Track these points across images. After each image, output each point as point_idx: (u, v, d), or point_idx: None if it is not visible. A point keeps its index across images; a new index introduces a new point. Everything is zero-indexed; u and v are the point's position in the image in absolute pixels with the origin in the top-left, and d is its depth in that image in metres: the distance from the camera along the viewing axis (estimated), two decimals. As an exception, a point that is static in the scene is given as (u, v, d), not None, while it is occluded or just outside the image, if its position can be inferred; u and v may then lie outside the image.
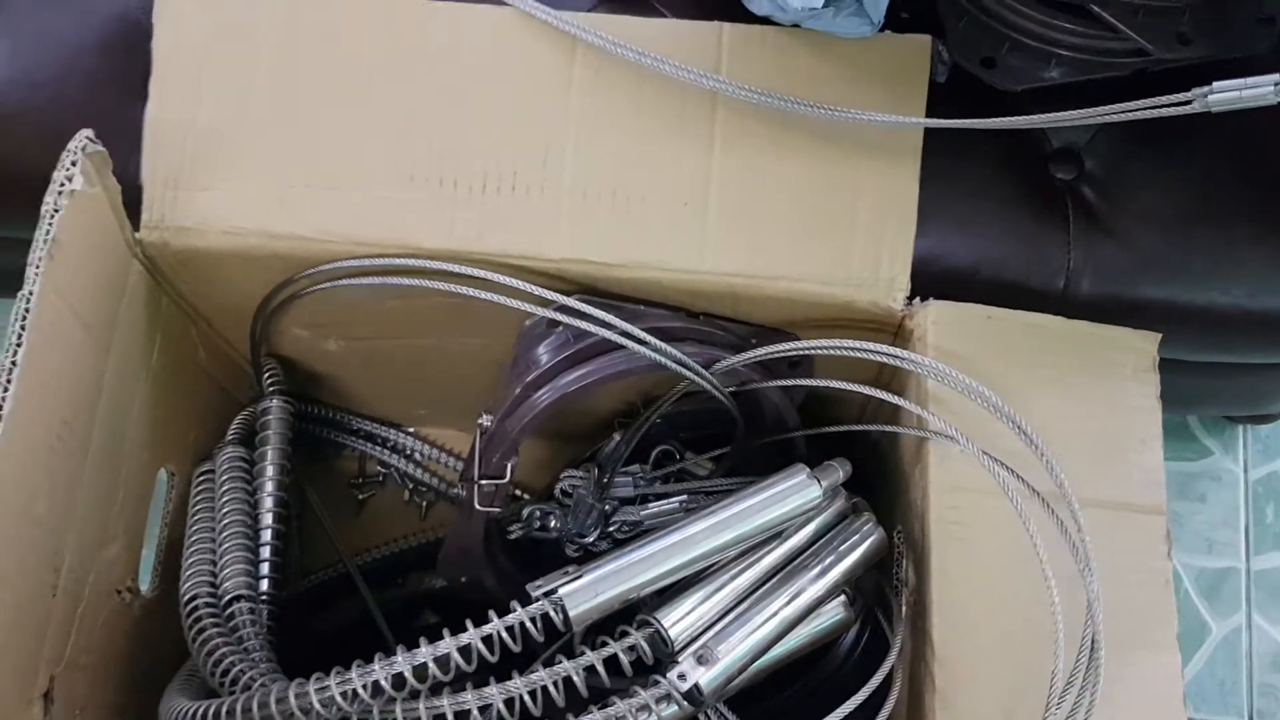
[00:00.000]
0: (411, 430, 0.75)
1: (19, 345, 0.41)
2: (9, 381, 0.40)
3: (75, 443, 0.48)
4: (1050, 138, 0.61)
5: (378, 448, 0.75)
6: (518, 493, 0.65)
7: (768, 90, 0.51)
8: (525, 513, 0.61)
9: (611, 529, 0.60)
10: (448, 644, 0.42)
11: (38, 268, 0.42)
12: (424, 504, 0.77)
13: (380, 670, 0.42)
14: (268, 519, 0.58)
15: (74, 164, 0.44)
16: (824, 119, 0.51)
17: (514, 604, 0.44)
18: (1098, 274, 0.58)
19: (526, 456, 0.57)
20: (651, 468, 0.62)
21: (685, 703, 0.45)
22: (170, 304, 0.58)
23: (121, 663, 0.54)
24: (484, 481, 0.54)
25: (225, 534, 0.55)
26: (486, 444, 0.54)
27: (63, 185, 0.44)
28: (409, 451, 0.75)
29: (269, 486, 0.59)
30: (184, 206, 0.53)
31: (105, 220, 0.49)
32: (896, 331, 0.54)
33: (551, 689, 0.43)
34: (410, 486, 0.76)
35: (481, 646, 0.43)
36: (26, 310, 0.41)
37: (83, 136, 0.45)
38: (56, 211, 0.43)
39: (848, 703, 0.45)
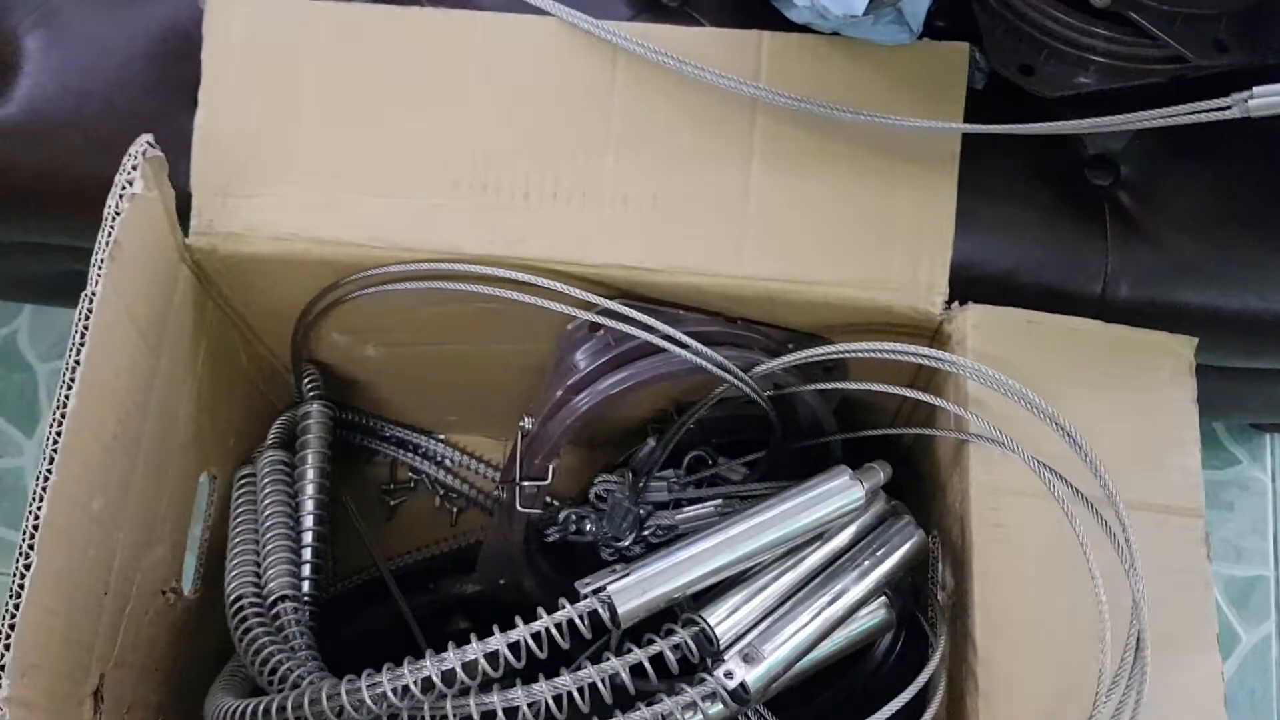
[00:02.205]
0: (442, 437, 0.76)
1: (82, 344, 0.42)
2: (73, 380, 0.41)
3: (129, 443, 0.48)
4: (1087, 144, 0.62)
5: (409, 454, 0.76)
6: (550, 500, 0.66)
7: (807, 97, 0.52)
8: (562, 516, 0.61)
9: (646, 533, 0.60)
10: (498, 640, 0.43)
11: (100, 268, 0.43)
12: (455, 510, 0.78)
13: (432, 666, 0.42)
14: (309, 521, 0.59)
15: (134, 168, 0.45)
16: (863, 125, 0.52)
17: (563, 601, 0.45)
18: (1135, 279, 0.59)
19: (559, 463, 0.57)
20: (685, 472, 0.63)
21: (731, 701, 0.45)
22: (215, 309, 0.58)
23: (165, 663, 0.55)
24: (526, 483, 0.54)
25: (268, 535, 0.56)
26: (528, 446, 0.55)
27: (124, 189, 0.45)
28: (440, 458, 0.76)
29: (310, 489, 0.60)
30: (232, 213, 0.54)
31: (160, 225, 0.50)
32: (934, 336, 0.55)
33: (600, 685, 0.43)
34: (441, 493, 0.77)
35: (531, 642, 0.43)
36: (90, 310, 0.42)
37: (143, 141, 0.46)
38: (118, 215, 0.44)
39: (893, 703, 0.45)
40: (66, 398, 0.41)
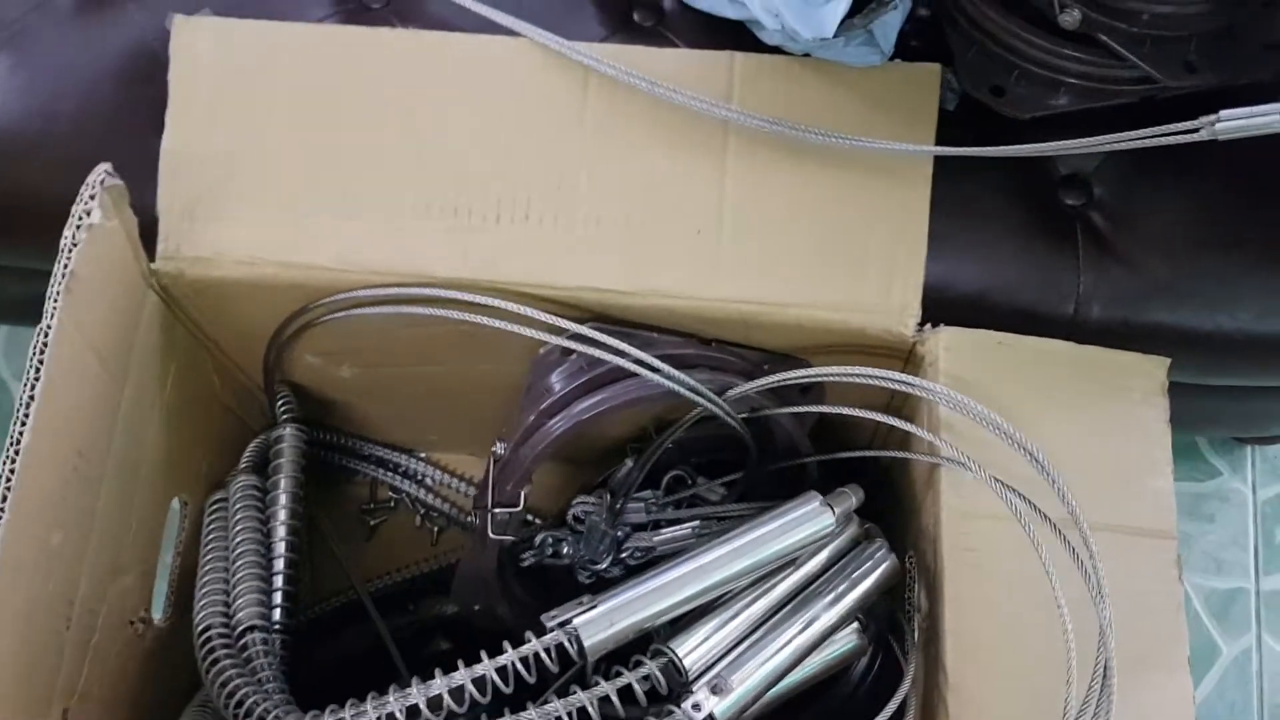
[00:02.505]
0: (423, 456, 0.75)
1: (37, 379, 0.41)
2: (26, 415, 0.41)
3: (90, 474, 0.48)
4: (1059, 164, 0.62)
5: (389, 473, 0.75)
6: (529, 518, 0.66)
7: (779, 119, 0.52)
8: (538, 539, 0.61)
9: (624, 555, 0.60)
10: (462, 675, 0.42)
11: (55, 301, 0.43)
12: (435, 529, 0.77)
13: (395, 703, 0.42)
14: (281, 548, 0.58)
15: (92, 197, 0.45)
16: (835, 147, 0.52)
17: (528, 634, 0.44)
18: (1107, 299, 0.59)
19: (537, 482, 0.57)
20: (663, 493, 0.62)
21: (701, 732, 0.45)
22: (184, 333, 0.58)
23: (134, 693, 0.54)
24: (497, 510, 0.54)
25: (239, 564, 0.55)
26: (500, 471, 0.55)
27: (81, 219, 0.44)
28: (420, 477, 0.75)
29: (282, 515, 0.59)
30: (199, 237, 0.54)
31: (122, 253, 0.49)
32: (908, 357, 0.55)
33: (567, 718, 0.43)
34: (422, 512, 0.77)
35: (496, 678, 0.43)
36: (45, 344, 0.42)
37: (101, 170, 0.45)
38: (75, 245, 0.44)
39: (864, 731, 0.45)
40: (20, 434, 0.40)
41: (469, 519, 0.74)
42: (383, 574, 0.72)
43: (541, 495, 0.67)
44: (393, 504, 0.78)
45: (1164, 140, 0.43)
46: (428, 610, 0.71)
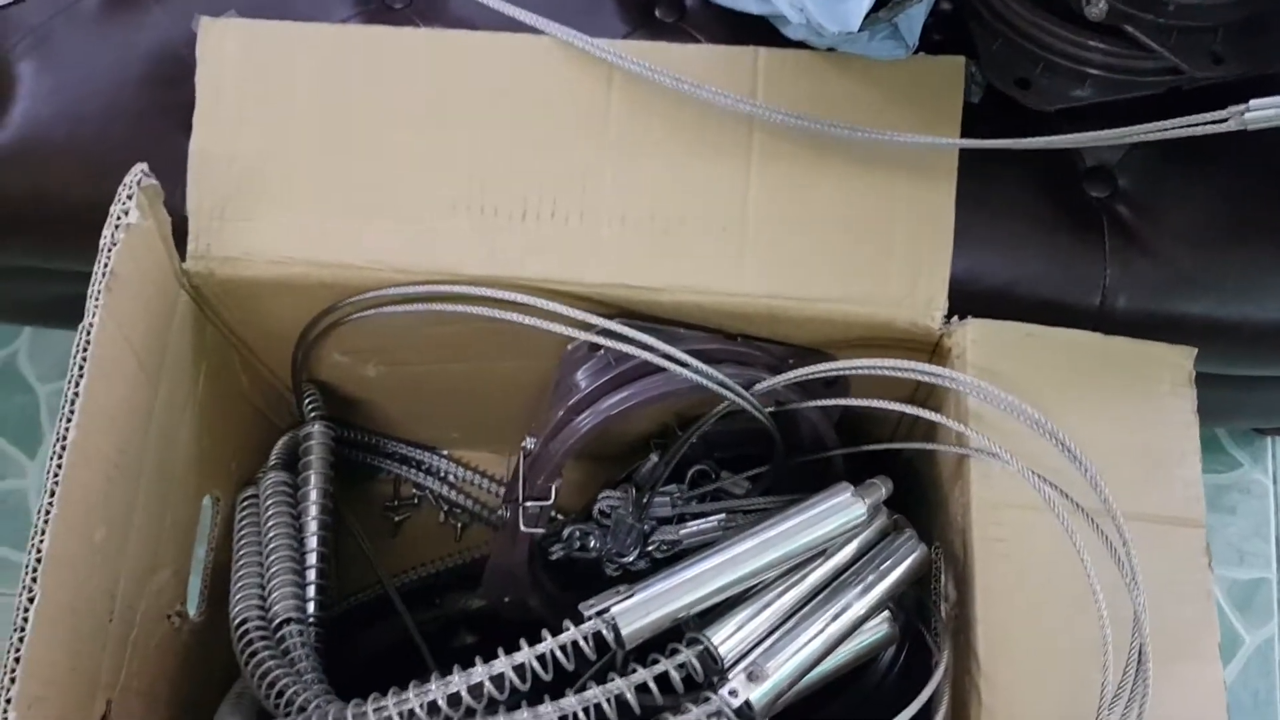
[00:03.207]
0: (445, 453, 0.76)
1: (80, 376, 0.42)
2: (72, 412, 0.41)
3: (129, 471, 0.48)
4: (1084, 156, 0.62)
5: (413, 470, 0.76)
6: (555, 515, 0.66)
7: (804, 114, 0.52)
8: (565, 533, 0.61)
9: (650, 548, 0.60)
10: (503, 663, 0.43)
11: (97, 300, 0.43)
12: (459, 525, 0.78)
13: (438, 689, 0.42)
14: (313, 542, 0.59)
15: (130, 197, 0.45)
16: (860, 141, 0.52)
17: (567, 623, 0.45)
18: (1134, 290, 0.59)
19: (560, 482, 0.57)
20: (689, 487, 0.63)
21: (736, 718, 0.45)
22: (215, 333, 0.59)
23: (171, 687, 0.55)
24: (529, 503, 0.54)
25: (273, 558, 0.56)
26: (530, 466, 0.55)
27: (119, 219, 0.45)
28: (444, 474, 0.76)
29: (313, 510, 0.60)
30: (229, 237, 0.54)
31: (157, 252, 0.50)
32: (934, 350, 0.55)
33: (605, 705, 0.43)
34: (445, 509, 0.77)
35: (536, 665, 0.43)
36: (88, 342, 0.42)
37: (138, 170, 0.46)
38: (114, 245, 0.44)
39: (898, 717, 0.45)
40: (66, 430, 0.41)
41: (493, 515, 0.74)
42: (407, 569, 0.73)
43: (566, 493, 0.67)
44: (416, 501, 0.78)
45: (1192, 131, 0.43)
46: (453, 605, 0.72)
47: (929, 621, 0.52)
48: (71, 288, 0.51)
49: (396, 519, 0.78)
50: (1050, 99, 0.55)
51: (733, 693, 0.45)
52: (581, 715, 0.43)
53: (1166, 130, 0.44)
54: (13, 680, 0.39)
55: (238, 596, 0.54)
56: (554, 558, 0.62)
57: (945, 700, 0.49)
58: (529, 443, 0.56)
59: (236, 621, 0.53)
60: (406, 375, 0.66)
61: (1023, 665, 0.48)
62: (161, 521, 0.53)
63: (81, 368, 0.42)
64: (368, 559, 0.73)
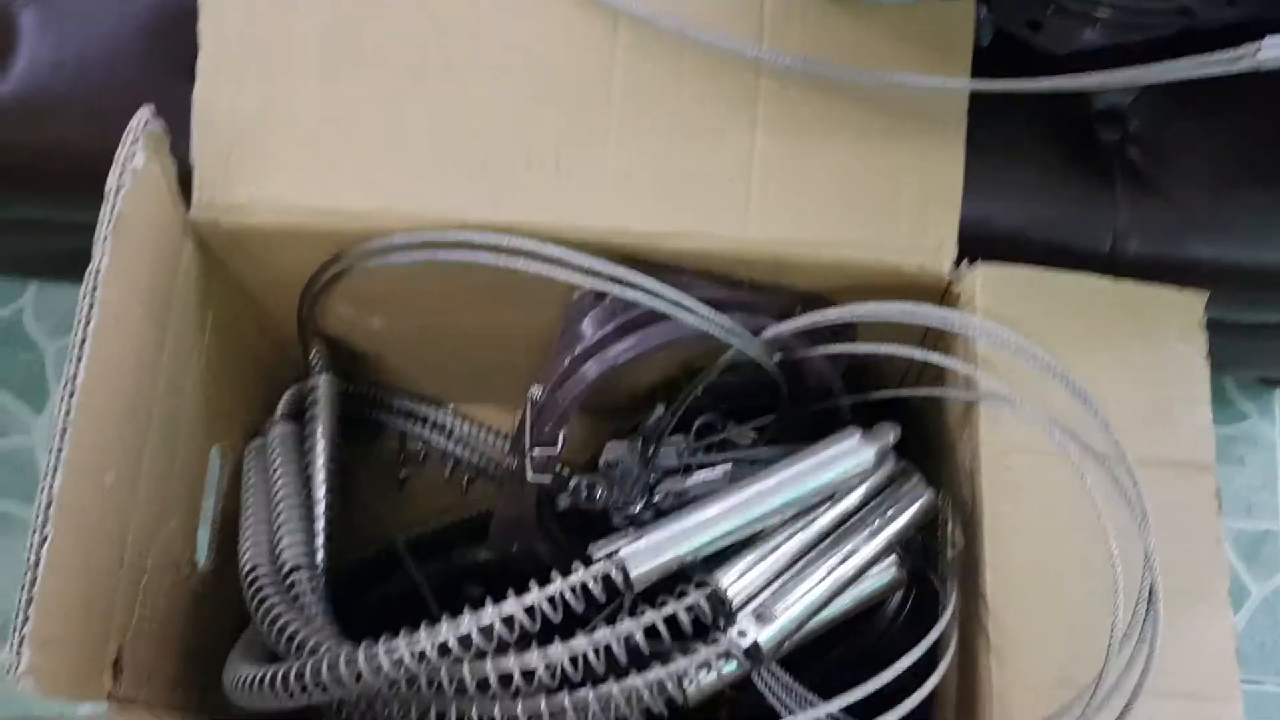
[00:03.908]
0: (451, 407, 0.76)
1: (88, 320, 0.42)
2: (80, 354, 0.41)
3: (138, 418, 0.48)
4: (1094, 99, 0.61)
5: (418, 425, 0.76)
6: (560, 469, 0.66)
7: (811, 58, 0.51)
8: (572, 483, 0.61)
9: (657, 499, 0.60)
10: (513, 604, 0.43)
11: (104, 242, 0.43)
12: (465, 480, 0.78)
13: (448, 630, 0.42)
14: (320, 492, 0.59)
15: (135, 141, 0.45)
16: (868, 85, 0.51)
17: (576, 564, 0.45)
18: (1144, 234, 0.59)
19: (566, 434, 0.57)
20: (695, 438, 0.63)
21: (745, 659, 0.45)
22: (220, 283, 0.58)
23: (182, 634, 0.55)
24: (537, 450, 0.54)
25: (280, 507, 0.56)
26: (538, 414, 0.55)
27: (125, 163, 0.44)
28: (449, 428, 0.76)
29: (321, 461, 0.60)
30: (234, 185, 0.54)
31: (163, 198, 0.50)
32: (943, 296, 0.55)
33: (615, 646, 0.43)
34: (451, 463, 0.77)
35: (546, 606, 0.43)
36: (96, 285, 0.42)
37: (144, 113, 0.45)
38: (120, 188, 0.44)
39: (905, 658, 0.45)
40: (76, 372, 0.41)
41: (498, 469, 0.74)
42: (412, 524, 0.73)
43: (573, 449, 0.67)
44: (422, 456, 0.78)
45: (1206, 71, 0.43)
46: (460, 558, 0.72)
47: (936, 566, 0.52)
48: (76, 241, 0.51)
49: (402, 474, 0.78)
50: (1061, 41, 0.54)
51: (741, 633, 0.45)
52: (592, 656, 0.44)
53: (1179, 71, 0.44)
54: (25, 621, 0.39)
55: (246, 545, 0.54)
56: (561, 508, 0.62)
57: (952, 642, 0.49)
58: (535, 391, 0.56)
59: (246, 569, 0.53)
60: (412, 327, 0.66)
61: (1031, 607, 0.48)
62: (170, 471, 0.53)
63: (90, 310, 0.42)
64: (372, 513, 0.73)
